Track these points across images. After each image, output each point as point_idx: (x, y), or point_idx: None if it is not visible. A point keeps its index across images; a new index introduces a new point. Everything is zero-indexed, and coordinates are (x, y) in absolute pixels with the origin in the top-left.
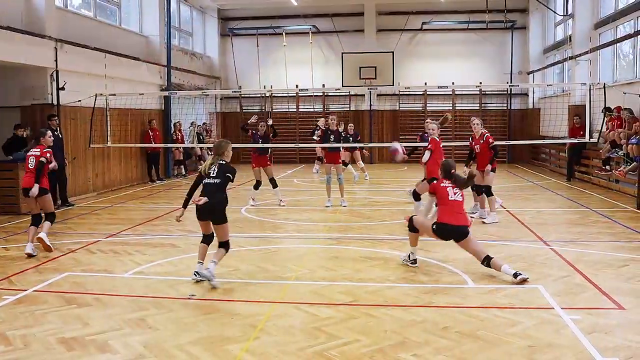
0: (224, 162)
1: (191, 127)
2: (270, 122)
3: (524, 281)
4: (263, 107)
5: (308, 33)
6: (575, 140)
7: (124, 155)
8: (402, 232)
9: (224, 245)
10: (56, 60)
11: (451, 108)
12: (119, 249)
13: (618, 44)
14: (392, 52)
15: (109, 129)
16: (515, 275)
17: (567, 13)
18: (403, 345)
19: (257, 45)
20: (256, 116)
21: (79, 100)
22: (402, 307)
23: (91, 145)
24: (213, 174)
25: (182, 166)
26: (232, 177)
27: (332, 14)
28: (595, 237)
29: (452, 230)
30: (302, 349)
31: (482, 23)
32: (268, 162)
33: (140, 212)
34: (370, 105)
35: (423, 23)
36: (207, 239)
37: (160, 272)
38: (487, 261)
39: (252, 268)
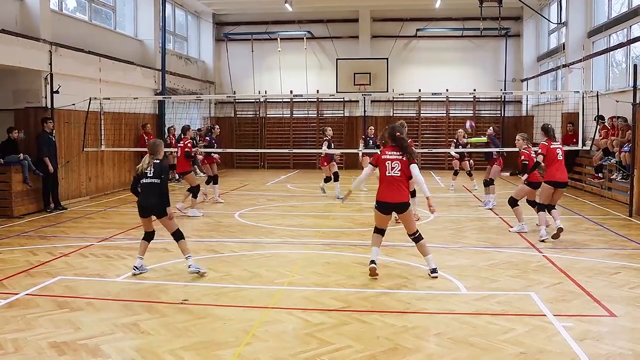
0: (158, 161)
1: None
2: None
3: (435, 277)
4: (257, 113)
5: (303, 39)
6: (568, 148)
7: (118, 159)
8: (395, 238)
9: (177, 235)
10: (50, 64)
11: (445, 114)
12: (112, 253)
13: (611, 53)
14: (387, 59)
15: (102, 133)
16: (433, 271)
17: (560, 21)
18: (395, 352)
19: (252, 51)
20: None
21: (73, 104)
22: (395, 313)
23: (85, 149)
24: (150, 173)
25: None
26: (167, 176)
27: (326, 20)
28: (588, 245)
29: (390, 206)
30: (294, 355)
31: (477, 30)
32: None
33: (134, 216)
34: (364, 111)
35: (417, 30)
36: (148, 236)
37: (153, 277)
38: (416, 239)
39: (244, 273)
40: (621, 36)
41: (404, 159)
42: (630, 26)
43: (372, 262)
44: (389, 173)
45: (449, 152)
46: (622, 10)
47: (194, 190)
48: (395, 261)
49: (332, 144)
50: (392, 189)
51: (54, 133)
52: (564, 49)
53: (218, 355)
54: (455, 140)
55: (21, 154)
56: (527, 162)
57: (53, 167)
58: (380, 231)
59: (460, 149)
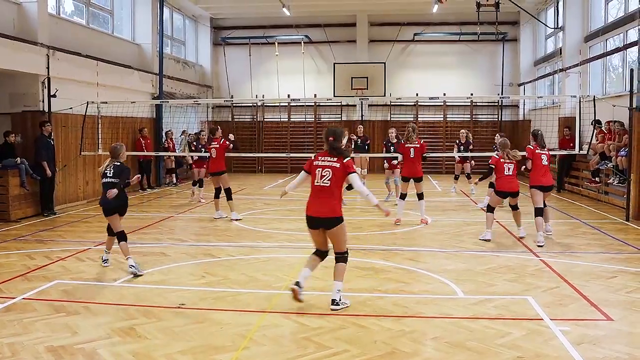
0: (119, 164)
1: (182, 136)
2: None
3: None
4: (255, 117)
5: (300, 43)
6: (565, 152)
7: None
8: (392, 242)
9: (121, 236)
10: (48, 68)
11: (442, 119)
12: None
13: (608, 57)
14: (384, 63)
15: (100, 137)
16: (333, 301)
17: (557, 26)
18: (392, 356)
19: (250, 55)
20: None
21: (71, 108)
22: (392, 317)
23: (82, 153)
24: (109, 174)
25: (174, 175)
26: (127, 177)
27: (324, 25)
28: (585, 249)
29: (316, 221)
30: (292, 359)
31: (474, 35)
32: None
33: (131, 221)
34: (362, 115)
35: (415, 34)
36: (110, 231)
37: (150, 281)
38: (338, 259)
39: (242, 277)
40: (617, 41)
41: (339, 166)
42: (627, 31)
43: (297, 283)
44: (317, 182)
45: (452, 156)
46: (619, 15)
47: (228, 193)
48: (393, 265)
49: (394, 146)
50: (320, 201)
51: (52, 136)
52: (560, 53)
53: (215, 359)
54: (457, 142)
55: (18, 158)
56: (493, 166)
57: (51, 171)
58: (319, 253)
59: (462, 151)
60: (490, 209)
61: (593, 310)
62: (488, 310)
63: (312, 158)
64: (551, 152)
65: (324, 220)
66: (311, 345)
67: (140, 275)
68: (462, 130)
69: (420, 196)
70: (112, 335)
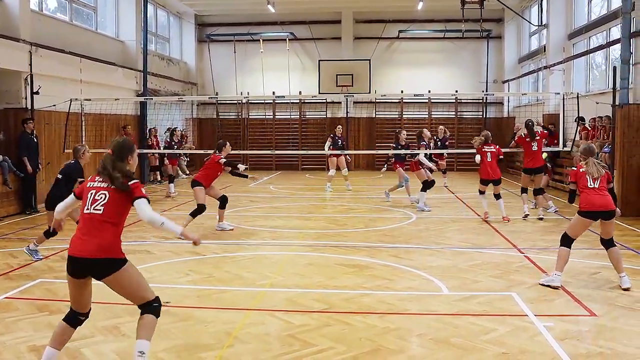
0: (73, 162)
1: (167, 133)
2: (242, 167)
3: None
4: (240, 114)
5: (285, 40)
6: (549, 149)
7: (99, 160)
8: (377, 239)
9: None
10: (30, 64)
11: (427, 116)
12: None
13: (591, 55)
14: (369, 60)
15: (83, 134)
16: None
17: (541, 23)
18: (377, 353)
19: (234, 52)
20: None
21: (54, 105)
22: (377, 314)
23: (66, 150)
24: (60, 170)
25: (158, 172)
26: (77, 175)
27: (309, 22)
28: None
29: (78, 264)
30: (277, 357)
31: (458, 32)
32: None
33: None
34: (347, 112)
35: (400, 31)
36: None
37: None
38: (145, 311)
39: (227, 275)
40: (601, 38)
41: (112, 188)
42: (610, 29)
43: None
44: (87, 209)
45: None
46: (602, 13)
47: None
48: (377, 262)
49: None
50: (86, 235)
51: (34, 133)
52: (544, 50)
53: (200, 357)
54: (435, 138)
55: (0, 156)
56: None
57: (34, 168)
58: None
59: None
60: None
61: (577, 306)
62: (473, 307)
63: (86, 180)
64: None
65: (87, 262)
66: (296, 343)
67: (36, 260)
68: (440, 127)
69: (497, 196)
70: (96, 334)
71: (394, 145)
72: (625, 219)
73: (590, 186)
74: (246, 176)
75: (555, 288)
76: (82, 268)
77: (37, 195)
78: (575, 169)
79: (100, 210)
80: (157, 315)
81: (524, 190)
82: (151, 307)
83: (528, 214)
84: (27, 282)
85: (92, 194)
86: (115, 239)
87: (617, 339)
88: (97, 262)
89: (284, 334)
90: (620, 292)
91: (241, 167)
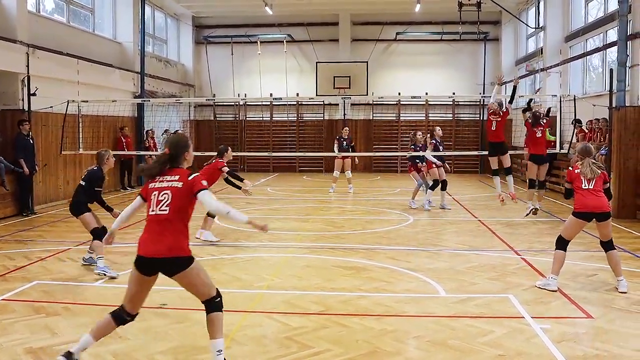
0: (94, 169)
1: (164, 135)
2: (248, 184)
3: None
4: (237, 116)
5: (283, 42)
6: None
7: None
8: (374, 241)
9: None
10: (28, 66)
11: (424, 118)
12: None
13: (588, 57)
14: (366, 62)
15: (80, 136)
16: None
17: (538, 26)
18: (374, 355)
19: (232, 54)
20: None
21: (51, 107)
22: (374, 316)
23: (63, 152)
24: (82, 177)
25: None
26: (96, 184)
27: (306, 24)
28: None
29: (148, 263)
30: (274, 359)
31: (456, 34)
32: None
33: (112, 220)
34: (344, 114)
35: (397, 33)
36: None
37: None
38: (211, 308)
39: (224, 277)
40: (597, 41)
41: (183, 186)
42: (607, 31)
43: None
44: (152, 210)
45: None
46: (599, 16)
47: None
48: (375, 264)
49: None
50: (155, 236)
51: (30, 135)
52: (541, 53)
53: (197, 359)
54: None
55: None
56: None
57: (30, 170)
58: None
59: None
60: None
61: (573, 308)
62: (470, 309)
63: (149, 181)
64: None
65: (160, 261)
66: (293, 345)
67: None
68: (419, 134)
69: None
70: None
71: (413, 147)
72: (622, 221)
73: (585, 187)
74: (239, 188)
75: (553, 291)
76: (153, 267)
77: (34, 197)
78: (572, 169)
79: (166, 210)
80: (221, 310)
81: (532, 183)
82: (214, 303)
83: (537, 208)
84: (23, 284)
85: (155, 195)
86: (183, 238)
87: (614, 341)
88: (168, 261)
89: (281, 336)
90: (617, 294)
91: (248, 183)
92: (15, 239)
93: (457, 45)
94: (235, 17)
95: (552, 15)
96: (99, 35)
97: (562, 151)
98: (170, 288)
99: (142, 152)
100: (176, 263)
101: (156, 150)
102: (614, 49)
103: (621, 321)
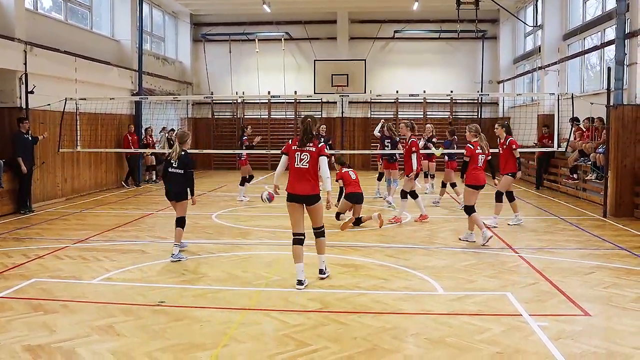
0: (183, 152)
1: (162, 133)
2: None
3: (322, 278)
4: (235, 113)
5: (281, 40)
6: (543, 149)
7: (94, 160)
8: (372, 239)
9: (180, 221)
10: (25, 64)
11: (422, 116)
12: (88, 255)
13: (586, 55)
14: (364, 60)
15: (78, 134)
16: (321, 271)
17: (536, 24)
18: (373, 352)
19: (230, 51)
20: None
21: (49, 104)
22: (372, 314)
23: (60, 150)
24: (175, 164)
25: (154, 172)
26: (192, 166)
27: (304, 21)
28: (563, 245)
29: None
30: (272, 357)
31: (454, 32)
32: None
33: (110, 218)
34: (342, 112)
35: (395, 31)
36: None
37: (129, 279)
38: (320, 234)
39: (222, 275)
40: (595, 39)
41: (311, 151)
42: (605, 29)
43: (299, 282)
44: (297, 164)
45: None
46: (597, 14)
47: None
48: (373, 262)
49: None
50: (300, 181)
51: (30, 133)
52: (539, 51)
53: (195, 357)
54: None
55: None
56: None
57: (28, 168)
58: (298, 240)
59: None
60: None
61: (571, 306)
62: (468, 307)
63: (289, 142)
64: (531, 150)
65: (304, 197)
66: (292, 343)
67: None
68: (428, 125)
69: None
70: (91, 333)
71: (427, 141)
72: (620, 219)
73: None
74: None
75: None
76: (300, 199)
77: (32, 195)
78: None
79: (307, 165)
80: (324, 236)
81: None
82: (321, 231)
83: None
84: (21, 282)
85: (298, 154)
86: (317, 182)
87: (611, 339)
88: (309, 196)
89: (279, 334)
90: (614, 291)
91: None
92: (13, 237)
93: (455, 44)
94: (233, 15)
95: (550, 14)
96: (96, 33)
97: (560, 149)
98: (168, 286)
99: (146, 150)
100: (313, 197)
101: (154, 149)
102: (612, 47)
103: (618, 318)
